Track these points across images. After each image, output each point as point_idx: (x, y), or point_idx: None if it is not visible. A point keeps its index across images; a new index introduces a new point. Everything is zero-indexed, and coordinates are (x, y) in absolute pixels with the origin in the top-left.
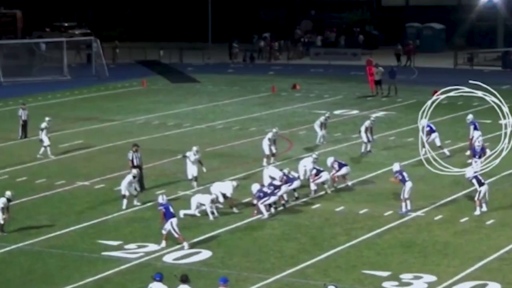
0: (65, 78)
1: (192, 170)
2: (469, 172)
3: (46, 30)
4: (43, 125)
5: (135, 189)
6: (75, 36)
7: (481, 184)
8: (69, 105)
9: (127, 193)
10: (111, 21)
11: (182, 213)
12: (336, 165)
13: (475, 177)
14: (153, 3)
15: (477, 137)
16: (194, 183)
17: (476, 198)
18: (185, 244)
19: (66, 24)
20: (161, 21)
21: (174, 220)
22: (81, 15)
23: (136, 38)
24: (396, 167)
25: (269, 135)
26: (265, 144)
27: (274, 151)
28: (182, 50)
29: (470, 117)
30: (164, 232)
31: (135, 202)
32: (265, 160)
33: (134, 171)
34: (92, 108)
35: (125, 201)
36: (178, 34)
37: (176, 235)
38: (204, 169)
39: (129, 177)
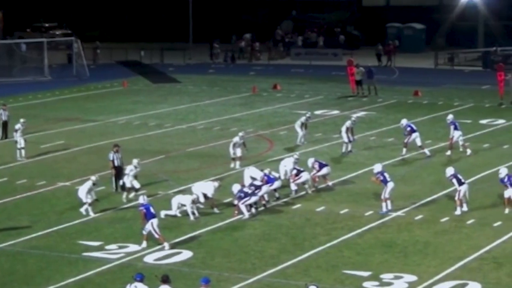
0: (46, 78)
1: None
2: (449, 171)
3: (27, 30)
4: (17, 126)
5: (92, 197)
6: (56, 37)
7: (461, 183)
8: (50, 105)
9: (90, 199)
10: (92, 21)
11: (163, 213)
12: (316, 165)
13: (455, 176)
14: (134, 4)
15: (457, 136)
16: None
17: (456, 198)
18: (166, 245)
19: (46, 25)
20: (142, 21)
21: (154, 221)
22: (62, 16)
23: (117, 38)
24: (377, 168)
25: (236, 139)
26: (230, 147)
27: (239, 154)
28: (163, 50)
29: (450, 117)
30: (144, 232)
31: (89, 212)
32: (232, 163)
33: (93, 177)
34: (73, 109)
35: (85, 207)
36: (159, 35)
37: (156, 236)
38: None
39: (88, 184)
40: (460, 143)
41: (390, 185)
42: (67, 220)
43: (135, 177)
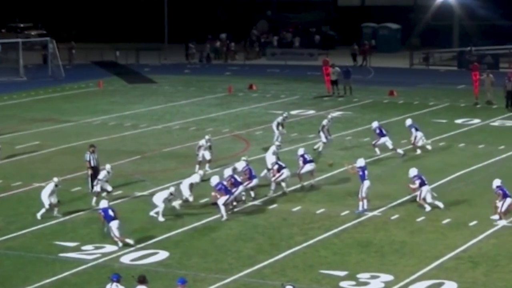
0: (21, 79)
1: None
2: (412, 172)
3: (2, 31)
4: None
5: (55, 199)
6: (31, 37)
7: (423, 184)
8: (25, 106)
9: (53, 201)
10: (67, 22)
11: (152, 213)
12: (300, 161)
13: (419, 177)
14: (109, 4)
15: (420, 137)
16: None
17: (417, 199)
18: (129, 240)
19: (22, 25)
20: (117, 22)
21: (114, 223)
22: (37, 16)
23: (92, 39)
24: (360, 162)
25: (202, 142)
26: (196, 150)
27: (208, 157)
28: (139, 50)
29: (408, 121)
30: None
31: (55, 213)
32: (197, 167)
33: (56, 179)
34: (49, 109)
35: (43, 210)
36: (135, 35)
37: (115, 239)
38: None
39: (51, 186)
40: (422, 142)
41: (367, 183)
42: (43, 221)
43: (107, 181)
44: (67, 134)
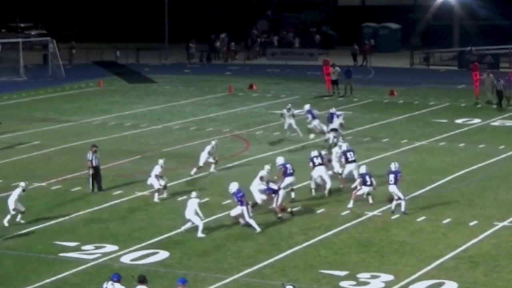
0: (21, 79)
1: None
2: (362, 168)
3: (2, 30)
4: None
5: (21, 206)
6: (31, 37)
7: (366, 184)
8: (25, 106)
9: (19, 207)
10: (68, 21)
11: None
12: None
13: (364, 175)
14: (110, 4)
15: (315, 124)
16: None
17: (354, 192)
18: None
19: (22, 25)
20: (117, 21)
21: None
22: (38, 16)
23: (93, 38)
24: (362, 169)
25: (208, 148)
26: (203, 155)
27: (213, 160)
28: (139, 50)
29: (306, 107)
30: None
31: (18, 219)
32: (194, 169)
33: (23, 184)
34: (49, 109)
35: (9, 217)
36: (135, 35)
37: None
38: None
39: (18, 191)
40: (317, 128)
41: (366, 189)
42: (44, 221)
43: (161, 176)
44: (67, 134)
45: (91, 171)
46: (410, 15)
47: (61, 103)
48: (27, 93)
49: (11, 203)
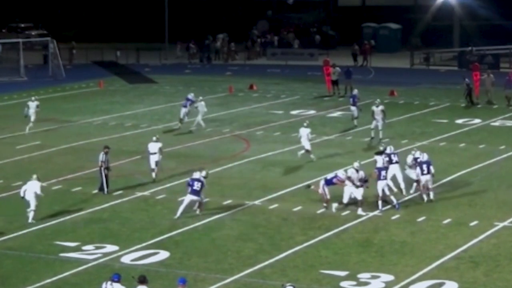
0: (21, 79)
1: None
2: (424, 156)
3: (3, 31)
4: None
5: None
6: (31, 37)
7: (423, 173)
8: (25, 106)
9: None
10: (68, 22)
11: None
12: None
13: (422, 164)
14: (110, 4)
15: (184, 113)
16: None
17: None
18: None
19: (22, 25)
20: (117, 21)
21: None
22: (38, 16)
23: (93, 38)
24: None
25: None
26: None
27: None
28: (139, 50)
29: (189, 95)
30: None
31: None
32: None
33: (35, 176)
34: (49, 109)
35: (32, 213)
36: (135, 35)
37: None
38: None
39: (38, 184)
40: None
41: (424, 178)
42: (44, 221)
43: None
44: (67, 134)
45: (105, 172)
46: (410, 15)
47: (62, 103)
48: (27, 93)
49: (33, 197)
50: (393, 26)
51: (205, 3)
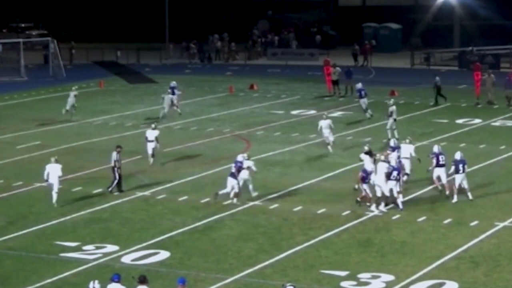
0: (22, 79)
1: None
2: (457, 155)
3: (3, 31)
4: None
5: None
6: (32, 37)
7: (458, 172)
8: (26, 106)
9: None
10: (68, 21)
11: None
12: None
13: (457, 162)
14: (110, 4)
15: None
16: None
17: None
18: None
19: (23, 25)
20: (118, 21)
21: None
22: (38, 16)
23: (93, 39)
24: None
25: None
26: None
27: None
28: (139, 50)
29: (172, 83)
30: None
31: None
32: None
33: (53, 159)
34: (50, 109)
35: (56, 196)
36: (135, 35)
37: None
38: None
39: (58, 165)
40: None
41: (459, 177)
42: (44, 221)
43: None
44: (68, 134)
45: (118, 172)
46: (411, 15)
47: (62, 103)
48: (28, 93)
49: (56, 179)
50: (394, 26)
51: (205, 3)
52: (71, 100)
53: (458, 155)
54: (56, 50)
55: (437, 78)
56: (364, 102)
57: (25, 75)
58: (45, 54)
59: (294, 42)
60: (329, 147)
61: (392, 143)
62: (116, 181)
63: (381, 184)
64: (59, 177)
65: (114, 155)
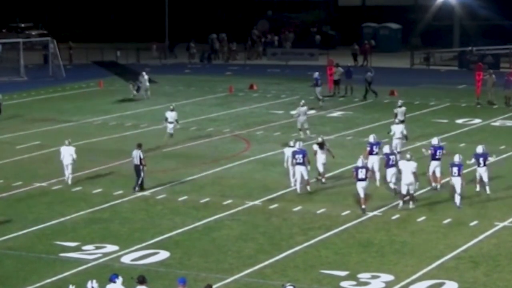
0: (21, 79)
1: None
2: (479, 149)
3: (3, 31)
4: None
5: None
6: (31, 37)
7: (479, 166)
8: (26, 106)
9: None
10: (68, 22)
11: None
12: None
13: (478, 156)
14: (110, 4)
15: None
16: None
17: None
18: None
19: (22, 25)
20: (118, 21)
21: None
22: (38, 16)
23: (93, 38)
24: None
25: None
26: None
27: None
28: (139, 50)
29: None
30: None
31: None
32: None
33: (67, 142)
34: (49, 109)
35: (70, 176)
36: (135, 35)
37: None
38: None
39: (72, 148)
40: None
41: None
42: (44, 221)
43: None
44: (68, 134)
45: (145, 168)
46: (411, 15)
47: (62, 103)
48: (27, 93)
49: (70, 161)
50: (393, 26)
51: (205, 3)
52: (145, 83)
53: (480, 149)
54: (55, 50)
55: (369, 73)
56: (319, 91)
57: (25, 75)
58: (45, 54)
59: (288, 44)
60: (301, 132)
61: (371, 138)
62: (141, 179)
63: (411, 182)
64: (73, 159)
65: (139, 153)
